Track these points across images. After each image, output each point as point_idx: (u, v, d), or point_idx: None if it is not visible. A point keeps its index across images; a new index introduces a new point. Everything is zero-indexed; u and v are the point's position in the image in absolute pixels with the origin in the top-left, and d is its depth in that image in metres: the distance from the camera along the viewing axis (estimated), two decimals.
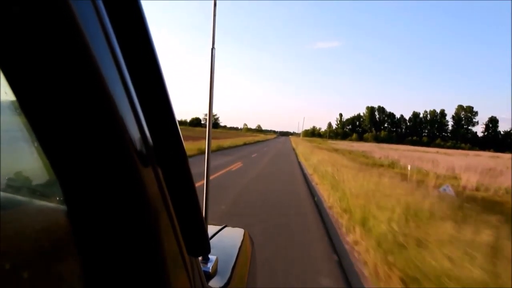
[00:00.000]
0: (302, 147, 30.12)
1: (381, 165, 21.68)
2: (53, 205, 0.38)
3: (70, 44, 0.28)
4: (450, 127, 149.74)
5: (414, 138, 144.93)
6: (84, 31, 0.28)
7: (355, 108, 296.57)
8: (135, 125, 0.36)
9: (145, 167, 0.37)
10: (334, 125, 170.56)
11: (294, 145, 42.63)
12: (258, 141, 51.62)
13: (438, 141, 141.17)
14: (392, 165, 22.40)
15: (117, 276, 0.38)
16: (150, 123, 0.39)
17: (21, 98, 0.29)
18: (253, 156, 19.86)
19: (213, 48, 0.79)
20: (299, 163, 17.30)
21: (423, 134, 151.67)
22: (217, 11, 0.78)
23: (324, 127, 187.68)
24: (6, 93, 0.28)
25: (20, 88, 0.28)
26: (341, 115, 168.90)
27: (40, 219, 0.39)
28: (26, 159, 0.36)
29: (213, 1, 0.77)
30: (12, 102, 0.29)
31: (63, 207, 0.36)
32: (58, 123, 0.30)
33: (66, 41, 0.28)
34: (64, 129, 0.30)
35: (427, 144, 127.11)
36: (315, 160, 15.14)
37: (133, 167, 0.35)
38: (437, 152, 51.49)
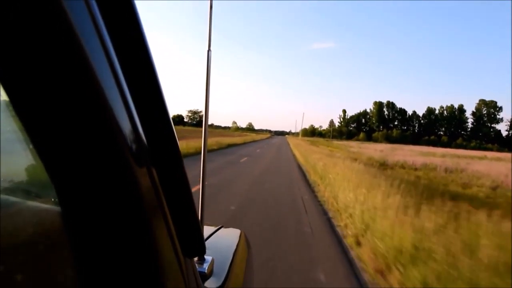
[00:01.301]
0: (338, 170, 8.58)
1: None
2: (48, 206, 0.37)
3: (64, 44, 0.28)
4: (470, 125, 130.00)
5: (432, 137, 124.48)
6: (77, 31, 0.28)
7: (356, 107, 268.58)
8: (129, 126, 0.36)
9: (140, 168, 0.37)
10: (336, 123, 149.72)
11: (299, 157, 20.75)
12: (231, 145, 28.53)
13: (459, 141, 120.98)
14: None
15: (112, 277, 0.38)
16: (144, 124, 0.39)
17: (15, 99, 0.28)
18: None
19: (209, 50, 0.79)
20: None
21: (440, 132, 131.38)
22: (204, 9, 0.77)
23: (323, 126, 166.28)
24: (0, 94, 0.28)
25: (14, 89, 0.28)
26: (344, 111, 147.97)
27: (34, 221, 0.38)
28: (20, 160, 0.36)
29: (209, 4, 0.78)
30: (6, 103, 0.29)
31: (57, 208, 0.35)
32: (52, 124, 0.30)
33: (59, 42, 0.27)
34: (57, 130, 0.30)
35: (448, 145, 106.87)
36: None
37: (127, 168, 0.35)
38: (485, 156, 37.24)
